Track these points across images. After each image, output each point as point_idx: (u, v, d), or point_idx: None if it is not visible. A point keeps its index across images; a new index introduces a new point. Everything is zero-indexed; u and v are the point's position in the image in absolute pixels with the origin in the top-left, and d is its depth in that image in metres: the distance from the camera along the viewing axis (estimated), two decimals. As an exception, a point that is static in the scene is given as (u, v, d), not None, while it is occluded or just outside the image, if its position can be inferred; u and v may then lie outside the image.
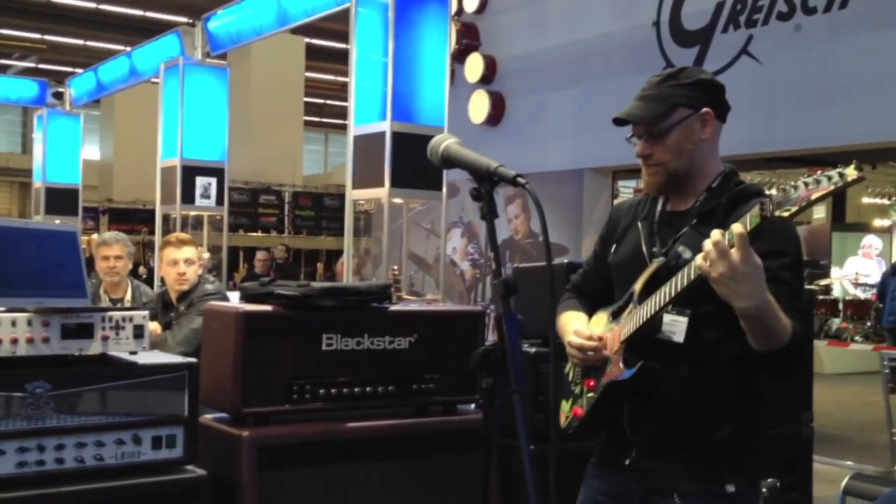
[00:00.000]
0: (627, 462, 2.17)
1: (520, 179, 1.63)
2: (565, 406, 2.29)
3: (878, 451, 6.86)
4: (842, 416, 9.16)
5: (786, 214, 1.79)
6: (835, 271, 15.73)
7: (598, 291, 2.37)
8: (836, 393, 10.33)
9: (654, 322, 2.08)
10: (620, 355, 2.13)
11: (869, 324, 12.35)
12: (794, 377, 4.42)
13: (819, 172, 1.82)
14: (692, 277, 1.93)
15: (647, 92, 2.19)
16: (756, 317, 1.90)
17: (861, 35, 6.30)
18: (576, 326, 2.23)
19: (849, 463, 6.48)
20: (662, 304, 2.02)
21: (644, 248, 2.21)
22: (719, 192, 2.17)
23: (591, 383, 2.21)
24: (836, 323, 12.56)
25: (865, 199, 21.41)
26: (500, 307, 1.48)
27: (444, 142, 1.80)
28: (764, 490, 3.87)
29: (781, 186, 1.84)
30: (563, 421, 2.29)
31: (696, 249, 1.98)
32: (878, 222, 19.28)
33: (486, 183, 1.67)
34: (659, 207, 2.25)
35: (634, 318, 2.12)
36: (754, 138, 7.02)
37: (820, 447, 4.61)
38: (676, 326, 2.08)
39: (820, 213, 18.03)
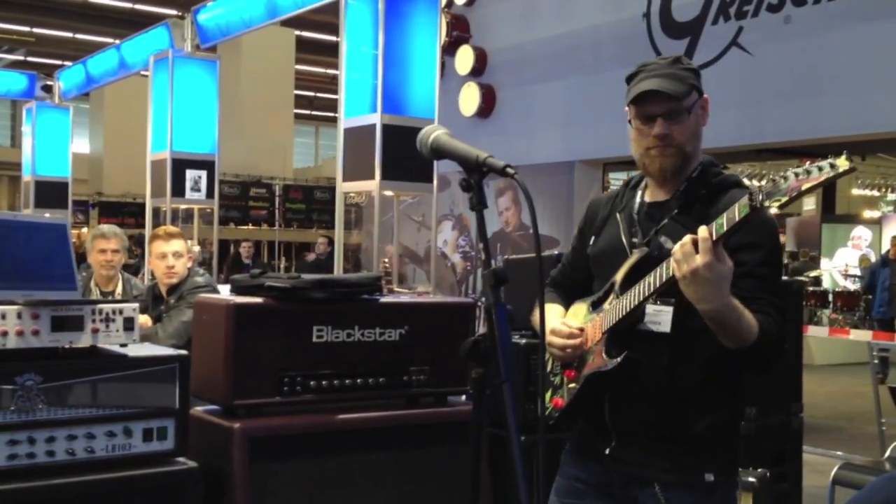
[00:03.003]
0: (607, 452, 2.17)
1: (509, 170, 1.63)
2: (546, 396, 2.28)
3: (867, 442, 6.90)
4: (831, 407, 9.20)
5: (776, 205, 1.81)
6: (825, 262, 15.80)
7: (577, 284, 2.35)
8: (826, 384, 10.38)
9: (637, 312, 2.08)
10: (602, 346, 2.13)
11: (858, 315, 12.41)
12: (785, 369, 4.46)
13: (809, 163, 1.83)
14: (668, 276, 1.96)
15: (664, 71, 2.15)
16: (715, 319, 1.93)
17: (851, 26, 6.33)
18: (554, 324, 2.20)
19: (838, 453, 6.51)
20: (646, 294, 2.02)
21: (624, 239, 2.20)
22: (699, 182, 2.17)
23: (572, 374, 2.20)
24: (826, 314, 12.62)
25: (855, 191, 21.49)
26: (489, 298, 1.49)
27: (434, 133, 1.79)
28: (754, 480, 3.90)
29: (771, 177, 1.85)
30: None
31: (678, 240, 1.99)
32: (867, 214, 19.36)
33: (475, 174, 1.67)
34: (638, 198, 2.24)
35: (617, 308, 2.11)
36: (744, 129, 7.04)
37: (809, 438, 4.64)
38: (661, 316, 2.09)
39: (810, 204, 18.09)
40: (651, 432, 2.13)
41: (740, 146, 7.45)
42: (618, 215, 2.25)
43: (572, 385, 2.19)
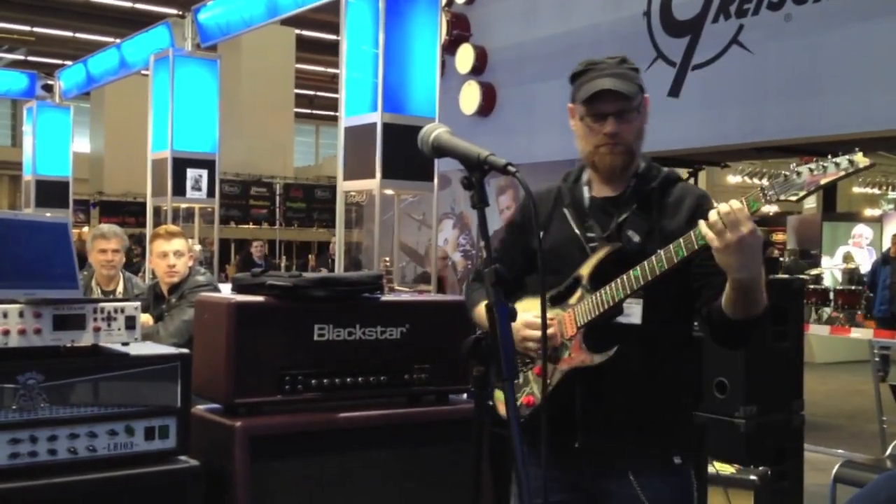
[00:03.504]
0: (577, 445, 2.19)
1: (510, 167, 1.64)
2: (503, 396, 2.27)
3: (868, 440, 6.90)
4: (832, 405, 9.20)
5: (793, 199, 1.87)
6: (825, 261, 15.80)
7: (510, 279, 2.32)
8: (827, 382, 10.38)
9: (619, 306, 2.12)
10: (580, 341, 2.16)
11: (860, 313, 12.41)
12: (786, 366, 4.45)
13: (828, 158, 1.87)
14: (681, 256, 1.98)
15: (614, 70, 2.21)
16: (750, 287, 1.98)
17: (851, 24, 6.32)
18: (526, 317, 2.19)
19: (839, 451, 6.51)
20: (635, 287, 2.06)
21: (578, 233, 2.23)
22: (646, 178, 2.25)
23: (539, 371, 2.20)
24: (826, 312, 12.62)
25: (856, 189, 21.48)
26: (491, 296, 1.49)
27: (435, 131, 1.80)
28: (755, 478, 3.90)
29: (784, 172, 1.90)
30: (504, 411, 2.25)
31: (643, 234, 2.13)
32: (868, 212, 19.36)
33: (476, 171, 1.68)
34: (586, 193, 2.29)
35: (594, 302, 2.13)
36: (744, 128, 7.04)
37: (810, 436, 4.64)
38: (632, 308, 2.15)
39: (811, 203, 18.10)
40: (623, 422, 2.18)
41: (741, 144, 7.45)
42: (566, 210, 2.28)
43: (547, 381, 2.19)
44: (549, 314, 2.17)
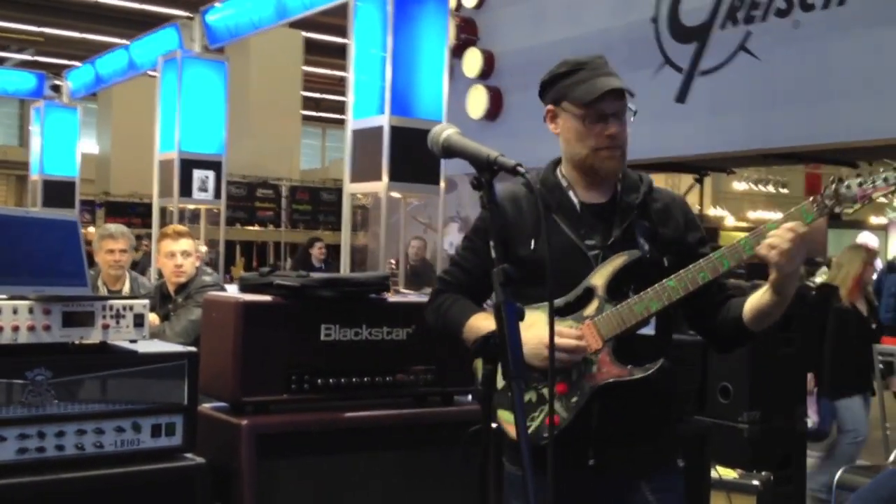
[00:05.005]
0: (592, 462, 2.11)
1: (520, 168, 1.65)
2: (510, 416, 2.08)
3: (871, 446, 6.88)
4: (836, 413, 9.16)
5: (849, 211, 1.89)
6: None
7: (480, 290, 2.22)
8: (831, 389, 10.33)
9: (650, 318, 2.08)
10: (609, 354, 2.08)
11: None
12: (790, 373, 4.46)
13: (879, 172, 1.90)
14: (726, 267, 1.98)
15: (609, 70, 2.17)
16: (787, 302, 2.00)
17: (859, 32, 6.32)
18: (557, 328, 2.05)
19: (843, 458, 6.49)
20: (672, 298, 2.01)
21: (577, 241, 2.14)
22: (631, 182, 2.20)
23: (563, 388, 2.09)
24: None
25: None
26: (499, 295, 1.50)
27: (445, 131, 1.80)
28: (758, 483, 3.91)
29: (833, 186, 1.91)
30: (514, 433, 2.06)
31: (652, 241, 2.10)
32: (873, 220, 19.32)
33: (486, 172, 1.68)
34: (574, 199, 2.19)
35: (619, 314, 2.06)
36: (751, 134, 7.04)
37: (813, 442, 4.65)
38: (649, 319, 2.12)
39: (816, 210, 18.05)
40: (639, 435, 2.14)
41: (748, 151, 7.45)
42: (555, 217, 2.16)
43: (574, 399, 2.09)
44: (562, 326, 2.08)
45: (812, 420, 5.30)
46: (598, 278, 2.09)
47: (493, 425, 1.97)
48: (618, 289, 2.08)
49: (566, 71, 2.17)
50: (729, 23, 7.11)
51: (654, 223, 2.16)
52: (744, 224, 19.37)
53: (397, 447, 2.81)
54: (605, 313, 2.08)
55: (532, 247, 2.14)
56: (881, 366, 6.06)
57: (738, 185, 18.22)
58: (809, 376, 4.99)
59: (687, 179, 10.15)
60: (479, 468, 1.58)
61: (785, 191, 18.38)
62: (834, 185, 1.89)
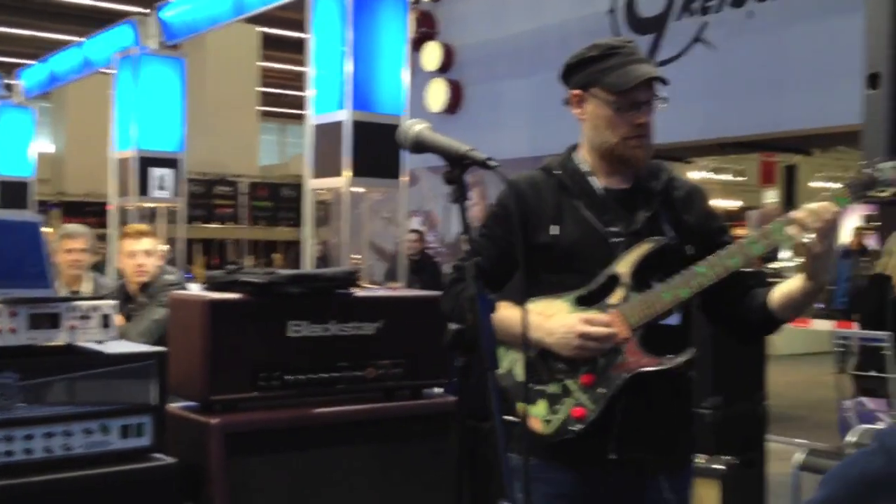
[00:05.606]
0: (614, 456, 2.03)
1: (491, 162, 1.66)
2: (537, 410, 2.05)
3: (830, 430, 7.01)
4: (794, 396, 9.34)
5: (882, 195, 1.87)
6: (786, 254, 15.99)
7: (504, 278, 2.11)
8: (788, 374, 10.53)
9: (681, 306, 2.02)
10: (637, 344, 2.01)
11: (822, 306, 12.61)
12: (750, 358, 4.53)
13: None
14: (758, 252, 1.96)
15: (643, 56, 2.10)
16: (823, 287, 1.97)
17: (812, 21, 6.44)
18: (583, 314, 2.02)
19: (801, 441, 6.62)
20: (704, 284, 1.96)
21: (599, 227, 2.07)
22: (650, 170, 2.15)
23: (589, 379, 2.02)
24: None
25: (815, 184, 21.79)
26: (472, 288, 1.51)
27: (415, 126, 1.79)
28: (723, 467, 3.97)
29: (865, 171, 1.90)
30: (544, 427, 2.04)
31: (676, 229, 2.06)
32: (839, 209, 19.56)
33: (457, 166, 1.67)
34: (596, 185, 2.13)
35: (646, 302, 2.00)
36: (708, 124, 7.14)
37: (773, 426, 4.72)
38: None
39: (772, 196, 18.31)
40: (662, 428, 2.08)
41: (704, 140, 7.55)
42: (576, 202, 2.10)
43: (601, 390, 2.01)
44: (581, 314, 2.02)
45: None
46: (623, 266, 2.03)
47: (509, 418, 1.85)
48: (642, 277, 2.02)
49: (597, 55, 2.09)
50: (685, 14, 7.20)
51: (677, 211, 2.11)
52: (702, 212, 19.56)
53: (367, 442, 2.82)
54: (632, 301, 2.02)
55: (554, 232, 2.08)
56: (839, 349, 6.18)
57: (695, 174, 18.42)
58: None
59: (678, 171, 10.26)
60: (457, 455, 1.58)
61: (741, 179, 18.61)
62: (868, 170, 1.87)
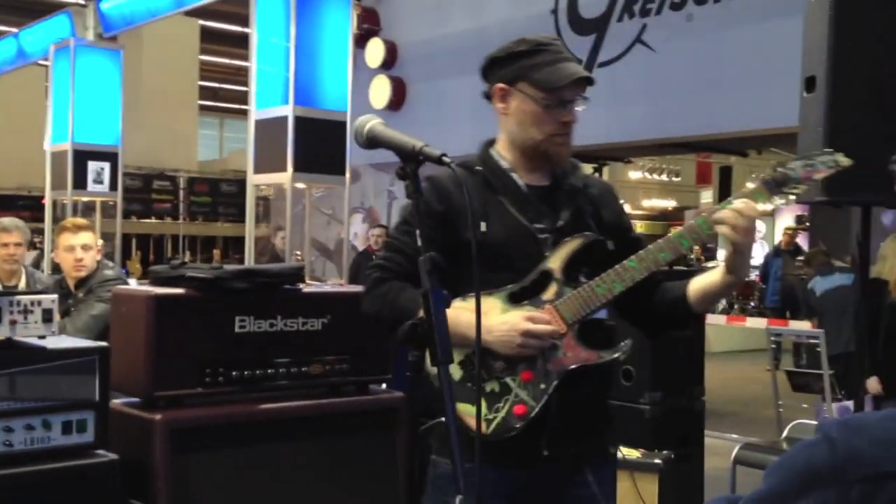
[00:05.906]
0: (546, 452, 2.03)
1: (445, 158, 1.67)
2: (470, 408, 1.98)
3: (764, 425, 7.19)
4: (728, 393, 9.51)
5: (796, 192, 1.94)
6: (721, 254, 16.32)
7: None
8: (723, 370, 10.73)
9: (614, 300, 2.03)
10: (574, 338, 2.02)
11: (753, 304, 12.88)
12: (687, 354, 4.62)
13: (817, 155, 1.96)
14: (685, 246, 2.00)
15: (572, 56, 2.12)
16: (742, 280, 2.03)
17: (750, 25, 6.59)
18: (523, 312, 2.01)
19: (736, 436, 6.77)
20: (636, 278, 1.98)
21: (526, 224, 2.07)
22: (567, 168, 2.17)
23: (529, 375, 2.01)
24: (722, 302, 13.05)
25: (750, 185, 22.23)
26: (426, 283, 1.53)
27: (370, 122, 1.79)
28: (660, 462, 4.04)
29: (777, 168, 1.96)
30: (484, 427, 1.99)
31: (598, 224, 2.11)
32: (761, 207, 20.01)
33: (411, 162, 1.68)
34: (518, 181, 2.12)
35: (581, 297, 2.01)
36: (647, 124, 7.26)
37: (709, 422, 4.82)
38: None
39: (707, 197, 18.66)
40: (586, 422, 2.10)
41: (643, 140, 7.68)
42: (502, 199, 2.09)
43: (542, 385, 2.00)
44: (521, 312, 2.01)
45: None
46: (555, 261, 2.04)
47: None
48: (573, 272, 2.04)
49: (526, 50, 2.07)
50: (626, 15, 7.30)
51: (596, 207, 2.15)
52: (639, 212, 19.88)
53: (313, 437, 2.81)
54: (567, 297, 2.02)
55: (482, 229, 2.05)
56: (774, 346, 6.34)
57: (634, 174, 18.69)
58: (873, 380, 4.74)
59: (586, 169, 10.36)
60: (408, 450, 1.60)
61: (677, 179, 18.92)
62: (779, 168, 1.93)
